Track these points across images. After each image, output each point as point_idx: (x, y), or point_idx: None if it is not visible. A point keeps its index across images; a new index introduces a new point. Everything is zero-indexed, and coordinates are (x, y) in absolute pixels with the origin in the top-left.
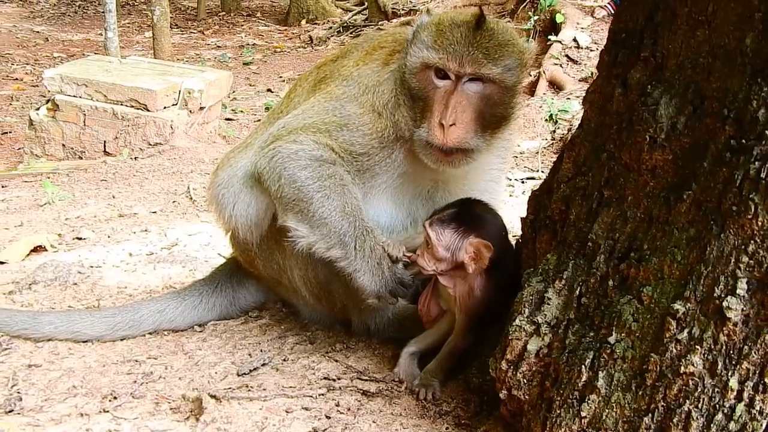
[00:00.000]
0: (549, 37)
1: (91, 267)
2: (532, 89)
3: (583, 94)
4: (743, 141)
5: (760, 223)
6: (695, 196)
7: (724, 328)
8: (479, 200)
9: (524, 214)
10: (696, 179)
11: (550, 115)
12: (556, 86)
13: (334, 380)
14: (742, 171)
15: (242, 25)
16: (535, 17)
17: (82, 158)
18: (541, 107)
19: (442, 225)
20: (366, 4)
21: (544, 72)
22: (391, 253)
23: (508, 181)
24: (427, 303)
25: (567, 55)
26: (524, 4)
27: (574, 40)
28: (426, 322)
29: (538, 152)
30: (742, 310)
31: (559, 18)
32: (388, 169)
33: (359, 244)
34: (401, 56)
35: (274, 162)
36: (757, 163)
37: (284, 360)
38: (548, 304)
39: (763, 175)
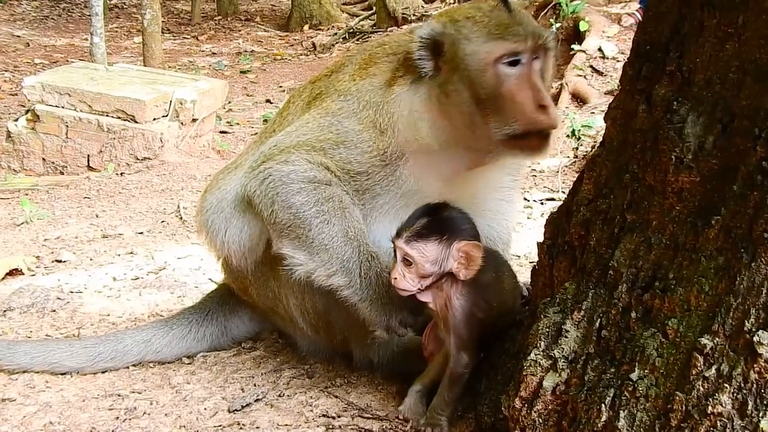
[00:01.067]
0: (572, 46)
1: (72, 292)
2: (554, 102)
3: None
4: None
5: None
6: (724, 222)
7: (755, 365)
8: (442, 203)
9: (542, 239)
10: (725, 203)
11: (573, 131)
12: (579, 99)
13: (333, 418)
14: None
15: (240, 31)
16: (558, 25)
17: (63, 173)
18: (563, 122)
19: (421, 239)
20: (374, 9)
21: (566, 84)
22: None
23: (526, 201)
24: (428, 336)
25: (591, 66)
26: (545, 10)
27: (599, 49)
28: (426, 357)
29: (558, 171)
30: None
31: (583, 26)
32: (390, 189)
33: (364, 271)
34: (415, 77)
35: (266, 185)
36: None
37: (280, 395)
38: (566, 336)
39: None
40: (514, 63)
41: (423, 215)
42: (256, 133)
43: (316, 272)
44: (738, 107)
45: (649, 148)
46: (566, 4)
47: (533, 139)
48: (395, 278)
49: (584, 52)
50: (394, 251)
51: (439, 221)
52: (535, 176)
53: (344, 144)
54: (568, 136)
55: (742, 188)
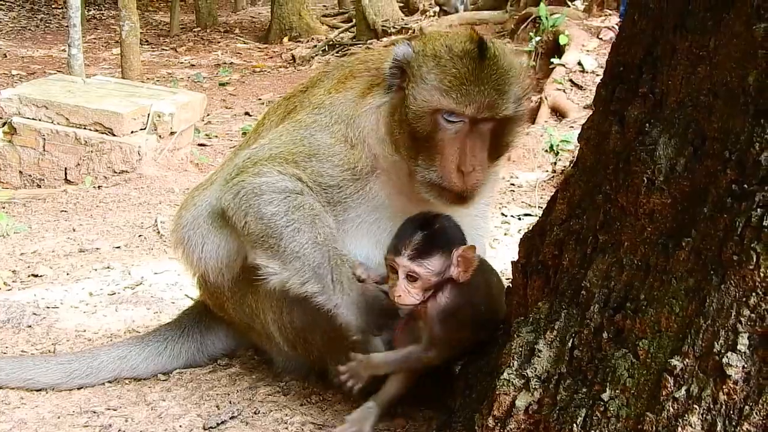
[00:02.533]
0: (552, 60)
1: (48, 308)
2: (533, 116)
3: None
4: (745, 186)
5: (762, 275)
6: (695, 244)
7: (724, 387)
8: (431, 214)
9: (516, 258)
10: (696, 226)
11: (551, 146)
12: (558, 113)
13: None
14: (743, 218)
15: (219, 42)
16: (537, 38)
17: (40, 186)
18: (542, 136)
19: (425, 255)
20: (354, 21)
21: (545, 98)
22: (357, 273)
23: (503, 217)
24: (400, 329)
25: (571, 80)
26: (525, 24)
27: (579, 63)
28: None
29: (536, 186)
30: (743, 367)
31: (562, 39)
32: (361, 203)
33: (336, 276)
34: (385, 91)
35: (239, 198)
36: (759, 210)
37: (255, 413)
38: (539, 356)
39: (765, 223)
40: (453, 120)
41: (417, 229)
42: (234, 147)
43: (290, 281)
44: (709, 130)
45: (622, 170)
46: (546, 18)
47: (449, 193)
48: (399, 296)
49: (564, 65)
50: (390, 268)
51: (436, 234)
52: (513, 191)
53: (316, 157)
54: (546, 150)
55: (713, 210)
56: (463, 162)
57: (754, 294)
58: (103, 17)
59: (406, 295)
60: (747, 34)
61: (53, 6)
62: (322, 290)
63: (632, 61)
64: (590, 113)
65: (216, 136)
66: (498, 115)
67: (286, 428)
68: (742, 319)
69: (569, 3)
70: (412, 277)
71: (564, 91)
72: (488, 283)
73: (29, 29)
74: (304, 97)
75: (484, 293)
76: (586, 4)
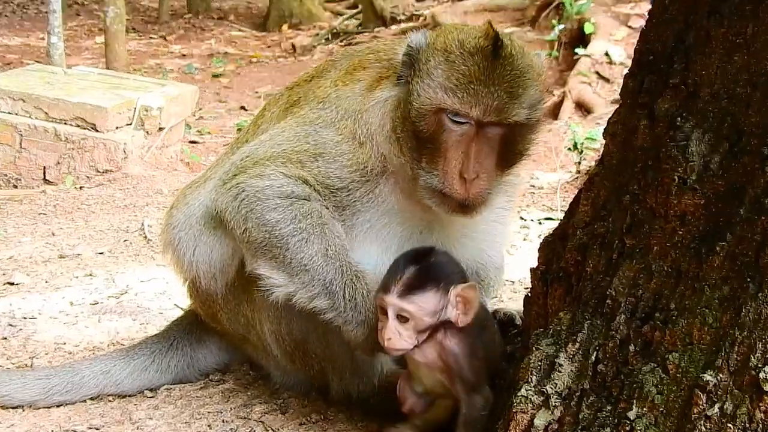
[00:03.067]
0: (576, 50)
1: (24, 318)
2: (555, 112)
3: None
4: None
5: None
6: (730, 249)
7: (761, 404)
8: (425, 248)
9: (536, 264)
10: (731, 228)
11: (575, 144)
12: (584, 108)
13: None
14: None
15: (212, 30)
16: (561, 26)
17: (17, 187)
18: (564, 133)
19: (417, 291)
20: (360, 7)
21: (569, 92)
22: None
23: (522, 221)
24: (402, 389)
25: (597, 72)
26: (548, 10)
27: (606, 54)
28: (406, 411)
29: (558, 188)
30: None
31: (588, 28)
32: (371, 206)
33: (349, 293)
34: (395, 83)
35: (239, 202)
36: None
37: None
38: (559, 371)
39: None
40: (459, 120)
41: (408, 264)
42: (230, 142)
43: (297, 294)
44: (746, 124)
45: (651, 168)
46: (570, 4)
47: (451, 201)
48: (389, 338)
49: (589, 56)
50: (380, 308)
51: (429, 268)
52: (533, 193)
53: (322, 156)
54: (569, 149)
55: (750, 212)
56: (466, 168)
57: None
58: (85, 2)
59: (397, 338)
60: None
61: None
62: (332, 306)
63: (662, 50)
64: (617, 107)
65: (209, 133)
66: (507, 120)
67: None
68: None
69: None
70: (403, 318)
71: (589, 84)
72: (485, 325)
73: (5, 15)
74: (309, 88)
75: (487, 332)
76: None
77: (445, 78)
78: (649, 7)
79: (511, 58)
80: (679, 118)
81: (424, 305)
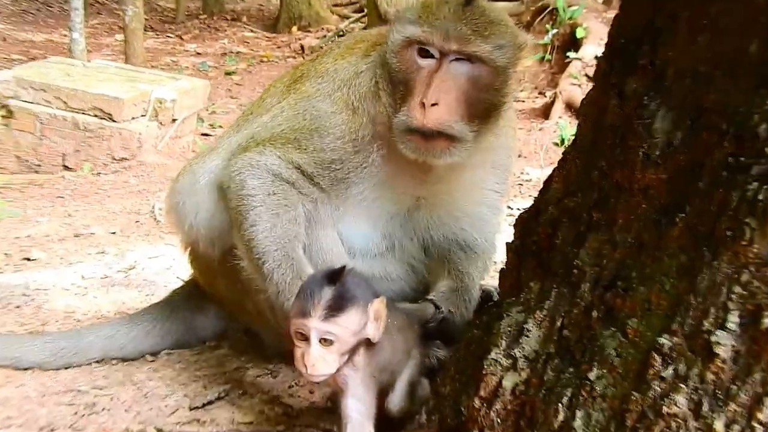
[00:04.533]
0: (568, 53)
1: (38, 290)
2: (546, 112)
3: None
4: (742, 159)
5: (755, 251)
6: (688, 220)
7: (712, 365)
8: (335, 269)
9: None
10: (690, 201)
11: (562, 140)
12: (574, 109)
13: (295, 417)
14: (739, 192)
15: (225, 31)
16: (554, 31)
17: (38, 172)
18: (554, 132)
19: (341, 312)
20: (365, 10)
21: (560, 93)
22: None
23: (509, 209)
24: None
25: (587, 75)
26: (542, 15)
27: (596, 57)
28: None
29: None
30: (732, 345)
31: (580, 32)
32: (364, 177)
33: (282, 281)
34: (384, 44)
35: (236, 173)
36: (754, 183)
37: (242, 393)
38: (527, 336)
39: (761, 197)
40: (426, 54)
41: (323, 286)
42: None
43: (247, 269)
44: (707, 101)
45: (618, 145)
46: (563, 10)
47: (417, 136)
48: (313, 365)
49: (580, 60)
50: (298, 335)
51: (348, 289)
52: (522, 185)
53: (317, 131)
54: (556, 144)
55: (708, 185)
56: (425, 94)
57: (746, 271)
58: (106, 2)
59: (322, 363)
60: (749, 0)
61: None
62: (264, 288)
63: (633, 33)
64: (590, 89)
65: (220, 126)
66: (468, 50)
67: (273, 410)
68: (732, 296)
69: None
70: (327, 341)
71: (580, 86)
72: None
73: (30, 13)
74: (312, 65)
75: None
76: None
77: (416, 17)
78: None
79: (481, 9)
80: (646, 97)
81: (349, 325)
